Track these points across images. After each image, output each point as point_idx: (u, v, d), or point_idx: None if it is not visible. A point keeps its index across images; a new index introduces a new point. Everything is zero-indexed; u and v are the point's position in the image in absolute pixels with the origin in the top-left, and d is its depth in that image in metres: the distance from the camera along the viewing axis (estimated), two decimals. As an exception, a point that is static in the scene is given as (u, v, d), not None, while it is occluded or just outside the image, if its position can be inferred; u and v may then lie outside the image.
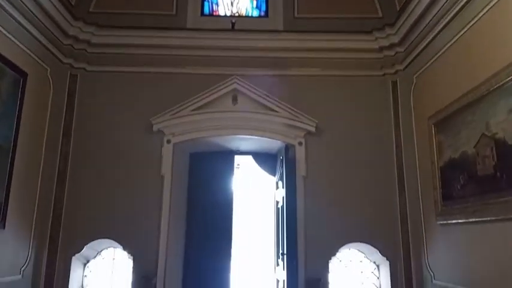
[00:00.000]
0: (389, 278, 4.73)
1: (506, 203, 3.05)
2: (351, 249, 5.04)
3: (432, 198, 4.22)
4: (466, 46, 3.77)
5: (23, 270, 4.27)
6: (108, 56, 5.17)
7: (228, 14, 5.59)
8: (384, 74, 5.19)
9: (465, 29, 3.76)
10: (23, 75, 4.17)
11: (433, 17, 4.24)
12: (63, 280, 4.64)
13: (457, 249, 3.82)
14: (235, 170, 5.68)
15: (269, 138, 5.12)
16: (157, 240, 4.71)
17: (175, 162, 5.02)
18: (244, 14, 5.60)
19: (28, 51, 4.29)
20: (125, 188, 4.84)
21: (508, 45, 3.14)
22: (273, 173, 5.69)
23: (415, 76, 4.76)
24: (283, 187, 4.92)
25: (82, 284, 4.91)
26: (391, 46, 5.08)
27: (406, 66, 5.00)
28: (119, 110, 5.05)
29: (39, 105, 4.54)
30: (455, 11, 3.88)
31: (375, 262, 5.07)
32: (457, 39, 3.92)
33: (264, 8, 5.60)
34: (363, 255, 5.09)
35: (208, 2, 5.60)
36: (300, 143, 5.03)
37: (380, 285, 4.97)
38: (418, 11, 4.41)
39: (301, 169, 4.94)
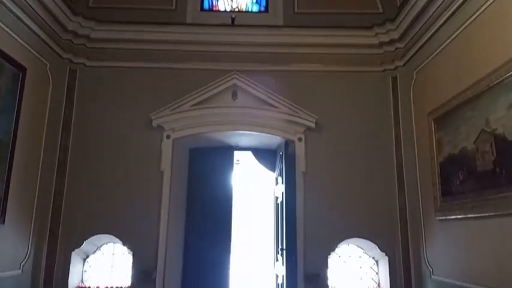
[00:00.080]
0: (388, 273, 4.75)
1: (506, 199, 3.05)
2: (350, 244, 5.06)
3: (431, 194, 4.23)
4: (466, 42, 3.76)
5: (23, 265, 4.28)
6: (107, 51, 5.15)
7: (228, 9, 5.57)
8: (383, 70, 5.19)
9: (465, 25, 3.76)
10: (22, 70, 4.16)
11: (433, 13, 4.23)
12: (63, 275, 4.65)
13: (456, 244, 3.83)
14: (235, 166, 5.68)
15: (269, 133, 5.12)
16: (157, 235, 4.72)
17: (175, 158, 5.03)
18: (244, 9, 5.58)
19: (27, 46, 4.28)
20: (124, 183, 4.84)
21: (508, 41, 3.14)
22: (273, 169, 5.69)
23: (415, 72, 4.76)
24: (282, 183, 4.93)
25: (82, 279, 4.93)
26: (391, 42, 5.07)
27: (406, 62, 4.99)
28: (119, 105, 5.04)
29: (38, 100, 4.54)
30: (455, 6, 3.87)
31: (373, 257, 5.09)
32: (457, 35, 3.91)
33: (263, 3, 5.59)
34: (362, 250, 5.11)
35: (208, -4, 5.59)
36: (300, 139, 5.03)
37: (379, 280, 4.99)
38: (419, 6, 4.40)
39: (300, 165, 4.94)
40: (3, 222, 3.90)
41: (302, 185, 4.88)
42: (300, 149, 5.00)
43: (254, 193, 7.19)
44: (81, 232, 4.73)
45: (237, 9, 5.56)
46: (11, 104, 4.02)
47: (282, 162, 5.02)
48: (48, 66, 4.68)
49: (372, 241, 4.81)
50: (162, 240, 4.73)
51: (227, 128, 5.10)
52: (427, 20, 4.37)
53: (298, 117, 5.01)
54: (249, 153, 5.82)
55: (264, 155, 5.75)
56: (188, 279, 5.06)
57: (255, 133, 5.14)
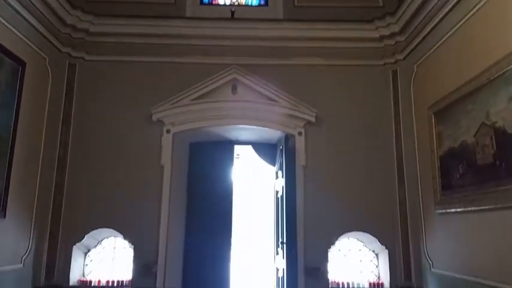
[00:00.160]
0: (388, 266, 4.76)
1: (505, 192, 3.06)
2: (350, 238, 5.07)
3: (431, 187, 4.23)
4: (466, 35, 3.75)
5: (24, 259, 4.30)
6: (106, 45, 5.14)
7: (228, 2, 5.54)
8: (384, 64, 5.17)
9: (466, 18, 3.74)
10: (21, 64, 4.15)
11: (433, 6, 4.21)
12: (64, 269, 4.67)
13: (456, 238, 3.84)
14: (235, 160, 5.68)
15: (269, 128, 5.11)
16: (158, 229, 4.73)
17: (175, 152, 5.03)
18: (243, 3, 5.56)
19: (26, 40, 4.27)
20: (125, 177, 4.85)
21: (508, 34, 3.13)
22: (273, 163, 5.69)
23: (415, 65, 4.75)
24: (282, 177, 4.94)
25: (83, 273, 4.95)
26: (392, 35, 5.05)
27: (407, 56, 4.98)
28: (118, 99, 5.04)
29: (38, 94, 4.53)
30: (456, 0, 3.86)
31: (373, 251, 5.11)
32: (457, 28, 3.90)
33: (263, -4, 5.56)
34: (362, 244, 5.12)
35: (207, -10, 5.56)
36: (300, 133, 5.03)
37: (379, 273, 5.02)
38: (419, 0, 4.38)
39: (300, 159, 4.95)
40: (4, 217, 3.91)
41: (302, 179, 4.89)
42: (300, 143, 5.00)
43: (254, 187, 7.21)
44: (82, 226, 4.75)
45: (236, 3, 5.53)
46: (10, 98, 4.02)
47: (282, 156, 5.02)
48: (47, 60, 4.67)
49: (372, 234, 4.82)
50: (163, 234, 4.74)
51: (227, 122, 5.10)
52: (427, 13, 4.35)
53: (298, 111, 5.00)
54: (249, 148, 5.82)
55: (264, 149, 5.75)
56: (189, 273, 5.08)
57: (255, 127, 5.13)
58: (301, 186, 4.86)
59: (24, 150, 4.21)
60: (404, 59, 5.03)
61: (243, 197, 7.02)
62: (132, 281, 4.68)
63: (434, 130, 4.21)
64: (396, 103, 5.02)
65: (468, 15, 3.70)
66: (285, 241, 4.63)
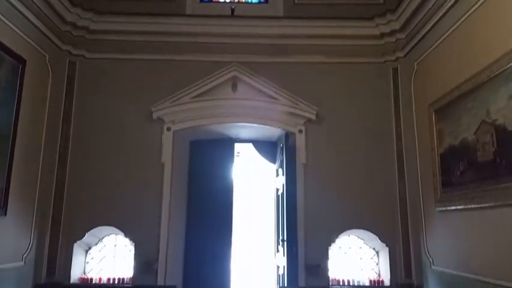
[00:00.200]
0: (388, 264, 4.77)
1: (506, 189, 3.06)
2: (351, 235, 5.08)
3: (432, 185, 4.23)
4: (467, 32, 3.74)
5: (25, 257, 4.31)
6: (106, 42, 5.13)
7: (228, 0, 5.53)
8: (384, 61, 5.16)
9: (467, 15, 3.73)
10: (22, 61, 4.15)
11: (434, 3, 4.20)
12: (66, 267, 4.68)
13: (456, 235, 3.84)
14: (236, 158, 5.68)
15: (269, 125, 5.11)
16: (159, 227, 4.74)
17: (176, 150, 5.03)
18: (243, 0, 5.54)
19: (26, 37, 4.26)
20: (125, 175, 4.86)
21: (509, 32, 3.12)
22: (273, 161, 5.70)
23: (416, 63, 4.74)
24: (283, 174, 4.94)
25: (84, 271, 4.96)
26: (392, 32, 5.04)
27: (407, 53, 4.97)
28: (119, 97, 5.04)
29: (38, 91, 4.53)
30: (457, -4, 3.85)
31: (374, 248, 5.11)
32: (458, 25, 3.88)
33: (264, -7, 5.54)
34: (362, 241, 5.13)
35: (207, -13, 5.54)
36: (300, 131, 5.03)
37: (379, 271, 5.02)
38: (420, -4, 4.37)
39: (301, 157, 4.95)
40: (5, 214, 3.92)
41: (302, 177, 4.89)
42: (300, 140, 5.00)
43: (255, 185, 7.21)
44: (83, 224, 4.76)
45: (236, 0, 5.51)
46: (11, 96, 4.01)
47: (282, 154, 5.02)
48: (47, 58, 4.66)
49: (372, 232, 4.83)
50: (164, 231, 4.75)
51: (227, 120, 5.10)
52: (428, 11, 4.34)
53: (299, 109, 5.00)
54: (250, 145, 5.83)
55: (265, 147, 5.75)
56: (189, 270, 5.10)
57: (256, 125, 5.13)
58: (302, 184, 4.86)
59: (24, 148, 4.22)
60: (404, 56, 5.02)
61: (244, 194, 7.02)
62: (133, 278, 4.69)
63: (434, 128, 4.20)
64: (396, 101, 5.02)
65: (469, 13, 3.69)
66: (285, 239, 4.64)
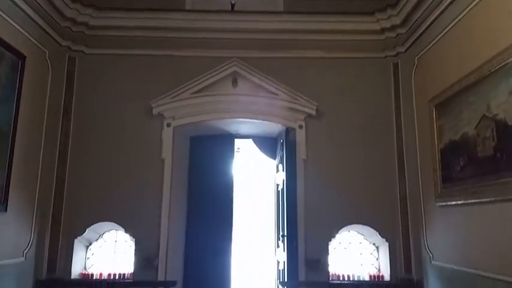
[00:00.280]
0: (388, 259, 4.78)
1: (506, 184, 3.05)
2: (351, 231, 5.08)
3: (432, 180, 4.23)
4: (468, 27, 3.72)
5: (26, 253, 4.32)
6: (106, 38, 5.11)
7: (228, -5, 5.50)
8: (385, 56, 5.15)
9: (468, 10, 3.71)
10: (21, 57, 4.14)
11: (435, -3, 4.18)
12: (66, 262, 4.69)
13: (456, 230, 3.85)
14: (236, 154, 5.68)
15: (269, 121, 5.10)
16: (159, 222, 4.75)
17: (176, 146, 5.03)
18: (243, -5, 5.51)
19: (26, 33, 4.25)
20: (126, 171, 4.86)
21: (510, 26, 3.10)
22: (273, 156, 5.70)
23: (416, 58, 4.72)
24: (283, 170, 4.94)
25: (85, 266, 4.97)
26: (393, 27, 5.01)
27: (408, 48, 4.95)
28: (119, 93, 5.03)
29: (38, 87, 4.52)
30: (458, -10, 3.83)
31: (374, 244, 5.12)
32: (459, 20, 3.87)
33: (263, -12, 5.51)
34: (362, 237, 5.14)
35: (207, -17, 5.51)
36: (301, 126, 5.02)
37: (379, 266, 5.03)
38: (421, -9, 4.35)
39: (301, 152, 4.94)
40: (6, 210, 3.92)
41: (303, 172, 4.89)
42: (300, 136, 4.99)
43: (255, 181, 7.21)
44: (84, 220, 4.76)
45: (236, -5, 5.49)
46: (10, 92, 4.01)
47: (282, 150, 5.02)
48: (47, 53, 4.65)
49: (372, 227, 4.83)
50: (164, 227, 4.76)
51: (227, 115, 5.09)
52: (429, 5, 4.31)
53: (299, 104, 4.99)
54: (250, 141, 5.82)
55: (265, 142, 5.75)
56: (190, 266, 5.11)
57: (256, 121, 5.13)
58: (302, 180, 4.86)
59: (25, 144, 4.22)
60: (405, 51, 5.01)
61: (244, 190, 7.03)
62: (133, 274, 4.71)
63: (435, 123, 4.20)
64: (397, 96, 5.00)
65: (469, 7, 3.67)
66: (285, 234, 4.65)
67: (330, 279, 4.76)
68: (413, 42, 4.79)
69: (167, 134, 4.97)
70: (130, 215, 4.75)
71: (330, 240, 4.83)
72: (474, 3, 3.60)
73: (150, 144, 4.93)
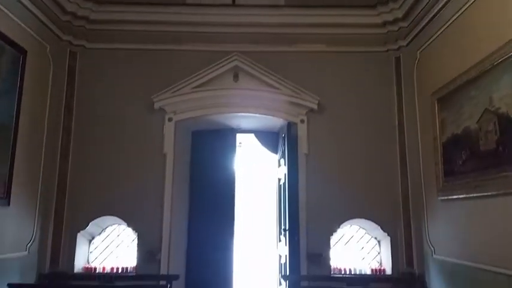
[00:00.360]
0: (390, 253, 4.79)
1: (508, 178, 3.05)
2: (352, 225, 5.09)
3: (434, 174, 4.22)
4: (470, 20, 3.70)
5: (29, 247, 4.34)
6: (107, 32, 5.11)
7: (229, -11, 5.47)
8: (387, 50, 5.12)
9: (470, 3, 3.68)
10: (22, 52, 4.14)
11: (438, -10, 4.15)
12: (69, 256, 4.72)
13: (458, 224, 3.85)
14: (237, 148, 5.68)
15: (271, 115, 5.10)
16: (161, 217, 4.77)
17: (177, 141, 5.03)
18: (245, -11, 5.48)
19: (27, 28, 4.24)
20: (128, 165, 4.87)
21: (513, 18, 3.09)
22: (275, 151, 5.70)
23: (418, 52, 4.70)
24: (285, 164, 4.95)
25: (88, 260, 5.00)
26: (395, 21, 4.98)
27: (410, 42, 4.92)
28: (120, 87, 5.03)
29: (39, 82, 4.53)
30: (460, -17, 3.80)
31: (376, 238, 5.13)
32: (461, 13, 3.84)
33: (265, -18, 5.48)
34: (364, 231, 5.15)
35: (208, -24, 5.48)
36: (302, 121, 5.01)
37: (381, 260, 5.04)
38: (423, -16, 4.32)
39: (303, 147, 4.94)
40: (8, 204, 3.94)
41: (304, 167, 4.89)
42: (302, 130, 4.99)
43: (256, 175, 7.23)
44: (86, 214, 4.79)
45: (238, -11, 5.46)
46: (12, 87, 4.01)
47: (284, 144, 5.02)
48: (48, 48, 4.65)
49: (374, 222, 4.83)
50: (166, 221, 4.78)
51: (229, 110, 5.09)
52: (431, -2, 4.29)
53: (301, 98, 4.98)
54: (252, 136, 5.83)
55: (267, 137, 5.76)
56: (192, 260, 5.13)
57: (257, 115, 5.12)
58: (304, 174, 4.87)
59: (27, 138, 4.23)
60: (407, 45, 4.98)
61: (246, 185, 7.04)
62: (136, 268, 4.73)
63: (437, 116, 4.18)
64: (399, 90, 4.99)
65: (472, 1, 3.64)
66: (287, 228, 4.66)
67: (332, 273, 4.78)
68: (416, 35, 4.76)
69: (169, 128, 4.97)
70: (133, 209, 4.77)
71: (332, 235, 4.84)
72: (477, -4, 3.57)
73: (151, 138, 4.94)
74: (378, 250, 5.10)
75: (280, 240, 5.33)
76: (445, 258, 4.07)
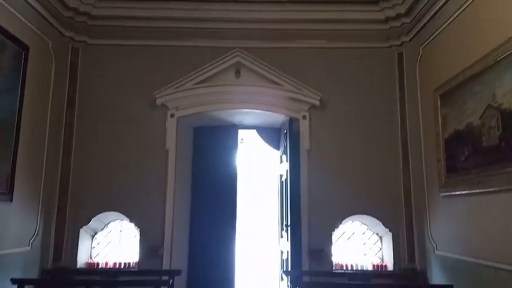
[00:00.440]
0: (391, 249, 4.79)
1: (511, 174, 3.04)
2: (354, 221, 5.10)
3: (436, 170, 4.22)
4: (473, 16, 3.68)
5: (32, 242, 4.37)
6: (109, 28, 5.10)
7: (231, -16, 5.45)
8: (389, 46, 5.11)
9: (473, -2, 3.68)
10: (25, 48, 4.14)
11: (440, -14, 4.13)
12: (72, 252, 4.74)
13: (460, 220, 3.84)
14: (239, 144, 5.69)
15: (273, 112, 5.10)
16: (163, 212, 4.78)
17: (180, 137, 5.04)
18: (247, -15, 5.46)
19: (29, 23, 4.24)
20: (130, 161, 4.88)
21: (517, 14, 3.07)
22: (277, 147, 5.70)
23: (421, 47, 4.68)
24: (287, 161, 4.95)
25: (90, 255, 5.03)
26: (398, 16, 4.96)
27: (413, 38, 4.90)
28: (122, 83, 5.04)
29: (42, 78, 4.53)
30: (463, -21, 3.78)
31: (377, 234, 5.13)
32: (464, 9, 3.82)
33: (267, -22, 5.45)
34: (366, 227, 5.15)
35: (210, -28, 5.46)
36: (304, 117, 5.01)
37: (382, 256, 5.05)
38: (426, -21, 4.30)
39: (304, 143, 4.94)
40: (11, 200, 3.96)
41: (306, 163, 4.89)
42: (304, 126, 4.99)
43: (258, 171, 7.23)
44: (89, 209, 4.80)
45: (239, -15, 5.44)
46: (15, 83, 4.02)
47: (286, 140, 5.02)
48: (50, 44, 4.65)
49: (376, 217, 4.84)
50: (169, 217, 4.79)
51: (231, 106, 5.09)
52: (434, -7, 4.27)
53: (303, 94, 4.98)
54: (253, 132, 5.82)
55: (268, 133, 5.75)
56: (194, 255, 5.15)
57: (259, 111, 5.12)
58: (305, 170, 4.87)
59: (29, 134, 4.24)
60: (410, 41, 4.96)
61: (248, 180, 7.05)
62: (138, 263, 4.75)
63: (439, 112, 4.17)
64: (401, 86, 4.97)
65: (475, -4, 3.64)
66: (289, 224, 4.67)
67: (333, 269, 4.79)
68: (418, 31, 4.74)
69: (171, 124, 4.98)
70: (135, 205, 4.79)
71: (334, 230, 4.84)
72: (480, -9, 3.55)
73: (154, 134, 4.95)
74: (380, 246, 5.11)
75: (282, 236, 5.34)
76: (446, 254, 4.08)
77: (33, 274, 4.40)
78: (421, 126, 4.68)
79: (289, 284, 4.50)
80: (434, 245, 4.33)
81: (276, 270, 5.80)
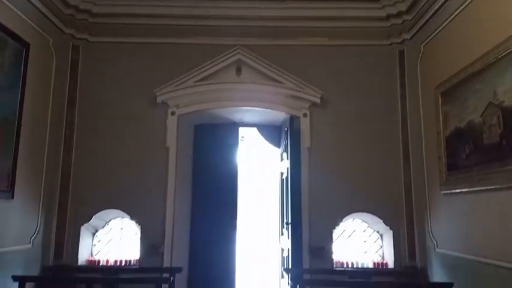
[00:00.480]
0: (392, 247, 4.79)
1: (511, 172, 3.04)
2: (355, 219, 5.09)
3: (437, 168, 4.22)
4: (475, 13, 3.67)
5: (33, 240, 4.38)
6: (109, 26, 5.10)
7: (232, -18, 5.43)
8: (390, 43, 5.10)
9: (475, -5, 3.66)
10: (25, 45, 4.13)
11: (442, -17, 4.12)
12: (73, 249, 4.75)
13: (461, 218, 3.84)
14: (240, 142, 5.68)
15: (273, 109, 5.09)
16: (164, 210, 4.79)
17: (180, 134, 5.04)
18: (247, -18, 5.45)
19: (29, 21, 4.23)
20: (131, 159, 4.88)
21: (519, 11, 3.06)
22: (278, 145, 5.70)
23: (422, 45, 4.67)
24: (287, 158, 4.94)
25: (91, 253, 5.03)
26: (399, 14, 4.95)
27: (414, 35, 4.89)
28: (123, 81, 5.03)
29: (42, 76, 4.53)
30: (465, -24, 3.77)
31: (378, 231, 5.13)
32: (465, 7, 3.81)
33: (268, -25, 5.44)
34: (367, 224, 5.15)
35: (211, -31, 5.44)
36: (305, 115, 5.01)
37: (383, 254, 5.05)
38: (427, -24, 4.29)
39: (305, 140, 4.94)
40: (12, 197, 3.97)
41: (307, 161, 4.89)
42: (305, 124, 4.98)
43: (259, 169, 7.23)
44: (90, 207, 4.81)
45: (240, -18, 5.42)
46: (15, 80, 4.01)
47: (287, 138, 5.02)
48: (51, 41, 4.64)
49: (376, 215, 4.84)
50: (169, 215, 4.80)
51: (232, 104, 5.09)
52: (435, -9, 4.25)
53: (303, 92, 4.97)
54: (254, 130, 5.82)
55: (269, 131, 5.75)
56: (195, 253, 5.15)
57: (260, 109, 5.12)
58: (306, 168, 4.87)
59: (30, 132, 4.24)
60: (411, 38, 4.95)
61: (248, 178, 7.05)
62: (139, 261, 4.76)
63: (440, 110, 4.17)
64: (403, 83, 4.96)
65: (477, -8, 3.63)
66: (290, 222, 4.67)
67: (334, 266, 4.80)
68: (420, 28, 4.73)
69: (171, 122, 4.98)
70: (136, 203, 4.80)
71: (334, 228, 4.84)
72: (482, -12, 3.54)
73: (154, 132, 4.95)
74: (380, 244, 5.11)
75: (282, 234, 5.35)
76: (447, 252, 4.08)
77: (34, 271, 4.41)
78: (422, 124, 4.68)
79: (289, 281, 4.50)
80: (435, 243, 4.33)
81: (277, 267, 5.81)
